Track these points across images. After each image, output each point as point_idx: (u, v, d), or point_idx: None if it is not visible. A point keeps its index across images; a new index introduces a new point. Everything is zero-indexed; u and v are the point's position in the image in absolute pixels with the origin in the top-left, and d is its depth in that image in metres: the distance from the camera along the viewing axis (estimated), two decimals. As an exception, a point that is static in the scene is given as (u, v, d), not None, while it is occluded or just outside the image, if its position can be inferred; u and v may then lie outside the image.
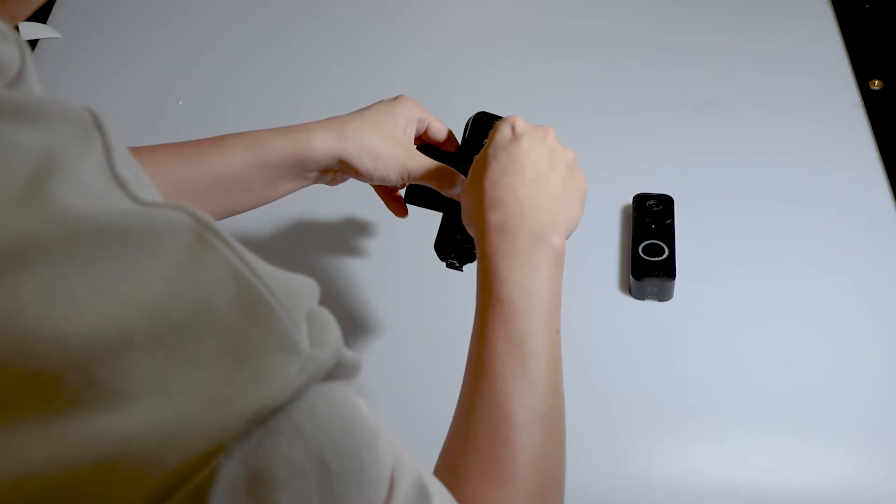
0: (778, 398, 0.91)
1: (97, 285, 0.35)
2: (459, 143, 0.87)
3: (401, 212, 0.88)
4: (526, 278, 0.67)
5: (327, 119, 0.81)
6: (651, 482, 0.87)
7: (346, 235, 1.05)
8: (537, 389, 0.63)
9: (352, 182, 0.84)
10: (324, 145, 0.78)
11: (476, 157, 0.75)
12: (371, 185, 0.86)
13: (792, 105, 1.17)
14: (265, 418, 0.36)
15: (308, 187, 0.83)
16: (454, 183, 0.81)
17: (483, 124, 0.85)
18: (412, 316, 0.99)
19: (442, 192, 0.82)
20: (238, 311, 0.37)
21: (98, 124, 0.40)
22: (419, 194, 0.86)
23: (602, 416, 0.90)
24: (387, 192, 0.88)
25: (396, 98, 0.83)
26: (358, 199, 0.99)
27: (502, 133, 0.74)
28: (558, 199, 0.72)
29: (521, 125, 0.74)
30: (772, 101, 1.18)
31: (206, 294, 0.36)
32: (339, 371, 0.41)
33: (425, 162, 0.81)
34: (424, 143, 0.87)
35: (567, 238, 0.72)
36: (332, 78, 1.22)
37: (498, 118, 0.84)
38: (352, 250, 1.04)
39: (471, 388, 0.64)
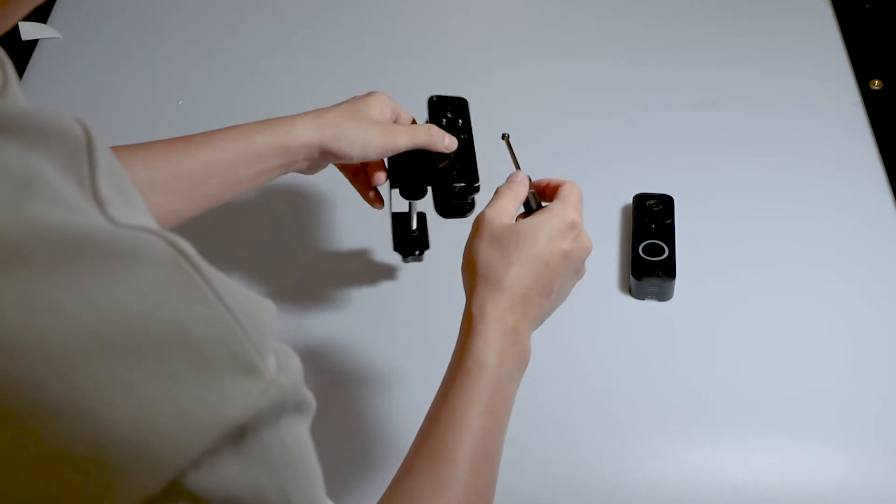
0: (778, 398, 0.91)
1: (77, 296, 0.36)
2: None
3: (378, 202, 0.91)
4: (492, 359, 0.70)
5: (306, 112, 0.85)
6: (651, 482, 0.86)
7: (335, 235, 1.05)
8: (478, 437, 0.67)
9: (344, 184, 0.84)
10: (304, 135, 0.83)
11: (522, 220, 0.75)
12: (351, 180, 0.91)
13: (792, 105, 1.17)
14: (234, 437, 0.38)
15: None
16: (439, 134, 0.85)
17: (438, 105, 0.90)
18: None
19: (434, 148, 0.85)
20: (207, 334, 0.38)
21: (89, 140, 0.41)
22: (403, 175, 0.87)
23: (602, 415, 0.90)
24: (366, 187, 0.91)
25: (369, 92, 0.87)
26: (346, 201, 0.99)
27: (562, 226, 0.74)
28: (548, 307, 0.75)
29: (579, 227, 0.75)
30: (772, 101, 1.18)
31: (180, 315, 0.38)
32: (301, 406, 0.43)
33: (406, 128, 0.85)
34: None
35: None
36: (332, 78, 1.22)
37: (449, 98, 0.90)
38: (342, 249, 1.04)
39: (423, 432, 0.68)
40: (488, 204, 0.77)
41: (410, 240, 0.91)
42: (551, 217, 0.74)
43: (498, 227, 0.74)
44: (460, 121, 0.90)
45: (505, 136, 0.82)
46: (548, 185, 0.79)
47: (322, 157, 0.84)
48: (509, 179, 0.79)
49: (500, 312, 0.71)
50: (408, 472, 0.65)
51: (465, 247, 0.75)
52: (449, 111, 0.90)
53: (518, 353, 0.71)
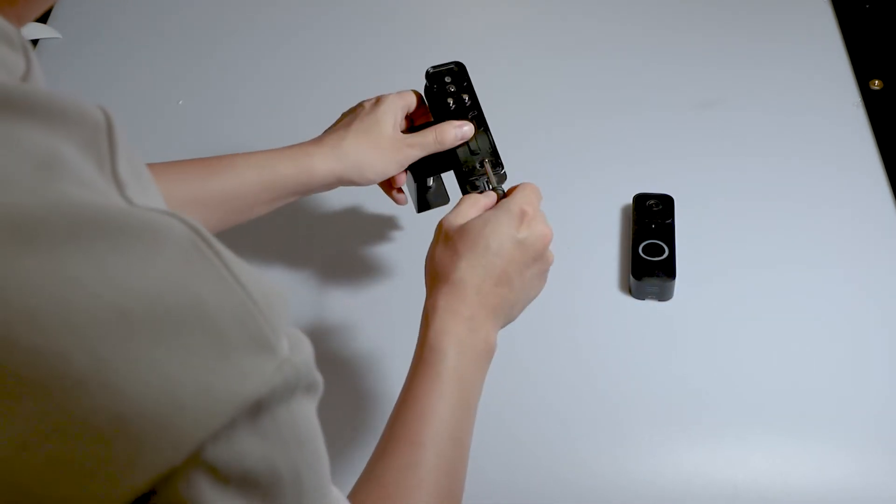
0: (778, 398, 0.91)
1: (98, 273, 0.37)
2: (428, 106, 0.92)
3: (403, 200, 0.94)
4: (450, 358, 0.71)
5: (323, 139, 0.87)
6: (651, 482, 0.87)
7: (349, 228, 1.05)
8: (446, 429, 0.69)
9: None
10: (325, 168, 0.85)
11: (473, 221, 0.76)
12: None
13: (792, 105, 1.17)
14: (251, 412, 0.39)
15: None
16: (450, 133, 0.87)
17: (436, 76, 0.91)
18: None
19: (448, 147, 0.87)
20: (225, 313, 0.39)
21: (109, 125, 0.42)
22: (423, 169, 0.89)
23: (602, 416, 0.90)
24: (389, 187, 0.93)
25: (378, 101, 0.88)
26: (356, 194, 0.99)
27: (509, 216, 0.75)
28: (514, 297, 0.75)
29: (530, 215, 0.76)
30: (772, 101, 1.18)
31: (197, 293, 0.39)
32: (311, 387, 0.44)
33: (417, 139, 0.87)
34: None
35: (500, 328, 0.75)
36: (332, 77, 1.22)
37: (446, 70, 0.91)
38: (354, 243, 1.04)
39: (393, 418, 0.70)
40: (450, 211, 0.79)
41: (427, 197, 0.93)
42: (497, 210, 0.76)
43: (451, 230, 0.76)
44: (465, 96, 0.90)
45: (484, 162, 0.86)
46: (510, 190, 0.81)
47: (341, 183, 0.87)
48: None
49: (452, 304, 0.72)
50: (379, 457, 0.67)
51: (427, 253, 0.77)
52: (450, 84, 0.90)
53: (477, 340, 0.72)
